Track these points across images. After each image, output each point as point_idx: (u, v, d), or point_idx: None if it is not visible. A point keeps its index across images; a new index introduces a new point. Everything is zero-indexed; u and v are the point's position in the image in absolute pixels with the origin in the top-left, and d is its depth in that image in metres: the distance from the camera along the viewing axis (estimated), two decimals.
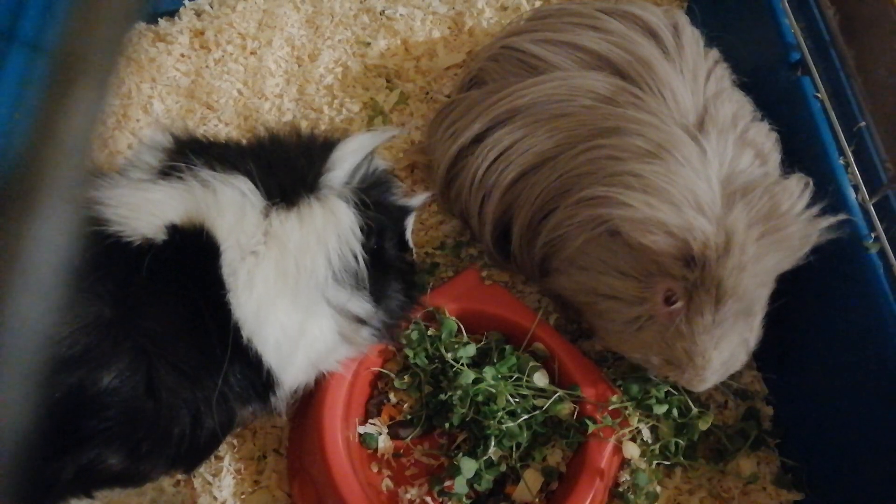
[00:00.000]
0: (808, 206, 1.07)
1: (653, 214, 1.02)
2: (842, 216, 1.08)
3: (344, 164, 1.09)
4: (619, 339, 1.14)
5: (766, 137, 1.18)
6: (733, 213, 1.02)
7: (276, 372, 1.04)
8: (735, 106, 1.19)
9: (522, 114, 1.23)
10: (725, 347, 1.06)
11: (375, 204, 1.10)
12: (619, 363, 1.29)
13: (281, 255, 1.01)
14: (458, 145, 1.30)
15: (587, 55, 1.25)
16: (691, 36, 1.25)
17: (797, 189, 1.07)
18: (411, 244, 1.22)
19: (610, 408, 1.18)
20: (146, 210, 0.97)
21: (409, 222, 1.21)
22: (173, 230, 0.97)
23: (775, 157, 1.18)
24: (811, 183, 1.09)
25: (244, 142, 1.19)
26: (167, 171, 1.02)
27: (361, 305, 1.09)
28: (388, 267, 1.13)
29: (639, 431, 1.19)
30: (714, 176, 1.07)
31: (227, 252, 0.98)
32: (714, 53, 1.29)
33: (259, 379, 1.03)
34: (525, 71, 1.30)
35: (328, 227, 1.03)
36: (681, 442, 1.19)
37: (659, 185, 1.04)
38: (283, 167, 1.07)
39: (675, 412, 1.18)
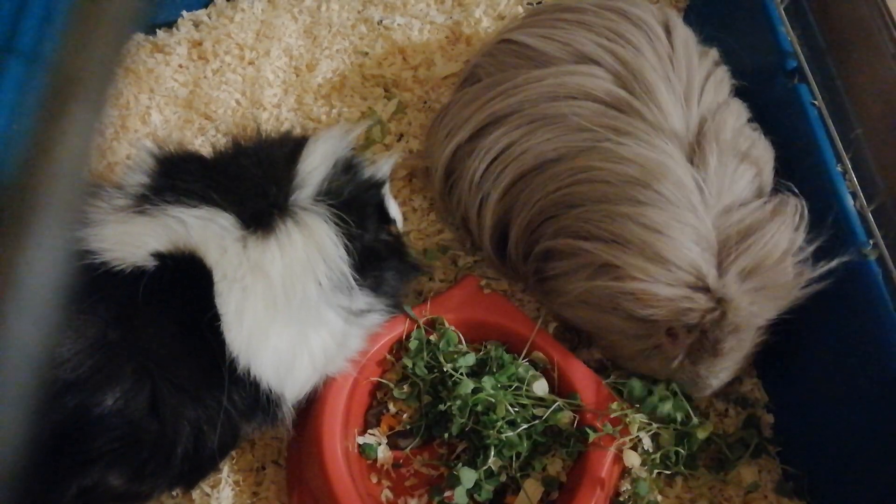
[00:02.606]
0: (805, 240, 1.11)
1: (650, 289, 1.06)
2: (836, 261, 1.10)
3: (313, 179, 1.07)
4: (631, 364, 1.23)
5: (763, 151, 1.19)
6: (728, 277, 1.06)
7: (278, 390, 1.04)
8: (733, 119, 1.19)
9: (518, 112, 1.23)
10: (730, 372, 1.17)
11: (349, 190, 1.08)
12: (620, 370, 1.28)
13: (267, 286, 1.00)
14: (455, 143, 1.30)
15: (580, 56, 1.24)
16: (683, 39, 1.25)
17: (790, 226, 1.10)
18: (393, 213, 1.20)
19: (611, 416, 1.17)
20: (128, 242, 0.96)
21: (386, 189, 1.19)
22: (162, 257, 0.97)
23: (769, 170, 1.19)
24: (805, 211, 1.12)
25: (209, 155, 1.16)
26: (142, 206, 1.01)
27: (361, 300, 1.10)
28: (376, 252, 1.12)
29: (639, 440, 1.19)
30: (710, 220, 1.09)
31: (217, 284, 0.98)
32: (713, 54, 1.28)
33: (260, 398, 1.03)
34: (519, 61, 1.29)
35: (312, 252, 1.02)
36: (681, 451, 1.18)
37: (656, 247, 1.06)
38: (252, 188, 1.04)
39: (678, 416, 1.18)
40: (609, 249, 1.10)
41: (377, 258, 1.13)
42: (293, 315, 1.02)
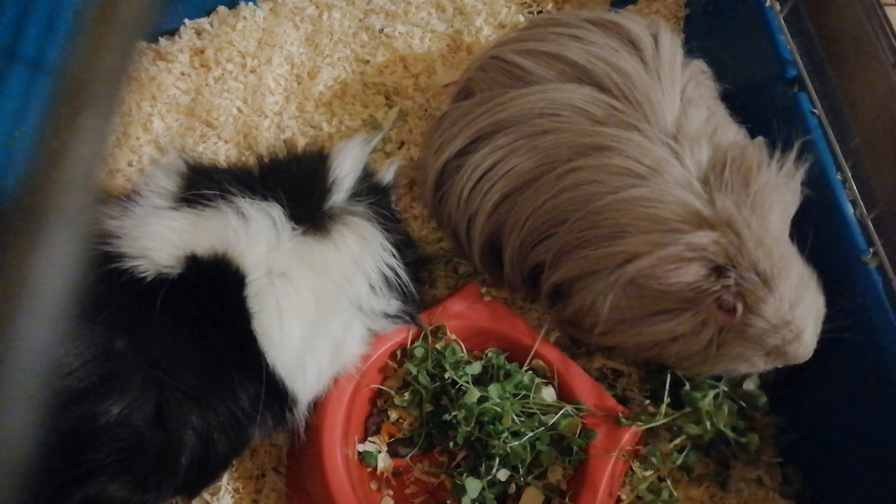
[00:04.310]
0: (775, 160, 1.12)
1: (664, 254, 1.04)
2: (805, 137, 1.15)
3: (347, 182, 1.14)
4: (708, 365, 1.13)
5: (736, 134, 1.20)
6: (718, 200, 1.05)
7: (296, 392, 1.05)
8: (706, 110, 1.20)
9: (504, 130, 1.23)
10: (800, 305, 1.05)
11: (372, 193, 1.17)
12: (621, 379, 1.28)
13: (321, 283, 1.04)
14: (443, 160, 1.31)
15: (569, 66, 1.25)
16: (669, 46, 1.25)
17: (757, 148, 1.12)
18: (399, 215, 1.28)
19: (637, 426, 1.17)
20: (168, 239, 0.97)
21: (392, 195, 1.27)
22: (192, 261, 0.98)
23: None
24: (764, 140, 1.16)
25: (244, 164, 1.22)
26: (192, 198, 1.03)
27: (390, 304, 1.15)
28: (401, 249, 1.19)
29: (639, 450, 1.18)
30: (694, 179, 1.09)
31: (254, 282, 0.99)
32: (698, 64, 1.29)
33: (277, 400, 1.03)
34: (509, 80, 1.30)
35: (364, 252, 1.09)
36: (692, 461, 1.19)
37: (652, 214, 1.06)
38: (297, 191, 1.10)
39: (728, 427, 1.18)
40: (609, 243, 1.10)
41: (403, 254, 1.19)
42: (336, 315, 1.06)
